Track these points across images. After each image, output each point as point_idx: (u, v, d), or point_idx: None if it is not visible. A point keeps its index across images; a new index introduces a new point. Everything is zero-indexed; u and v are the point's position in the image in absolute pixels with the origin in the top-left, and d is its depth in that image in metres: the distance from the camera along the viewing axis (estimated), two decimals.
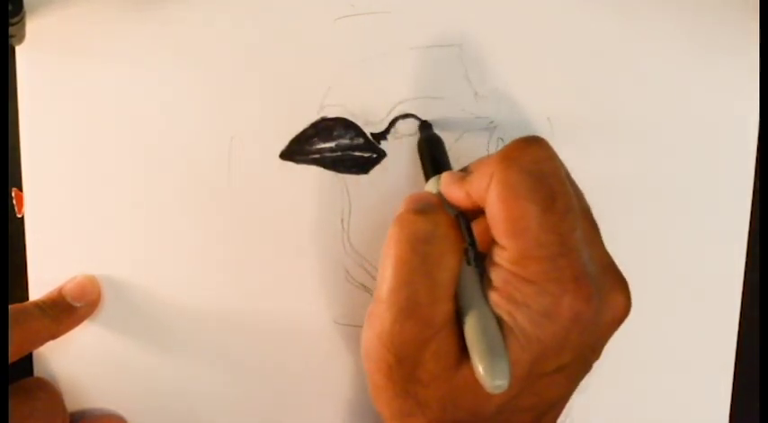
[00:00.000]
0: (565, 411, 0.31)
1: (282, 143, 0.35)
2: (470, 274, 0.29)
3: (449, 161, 0.34)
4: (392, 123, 0.35)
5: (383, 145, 0.36)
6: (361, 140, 0.35)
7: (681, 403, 0.39)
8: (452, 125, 0.36)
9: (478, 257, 0.29)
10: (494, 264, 0.28)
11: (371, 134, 0.35)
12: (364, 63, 0.35)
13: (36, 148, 0.34)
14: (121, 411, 0.36)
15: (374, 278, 0.36)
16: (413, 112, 0.35)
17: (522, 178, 0.27)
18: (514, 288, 0.28)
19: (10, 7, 0.30)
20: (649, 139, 0.37)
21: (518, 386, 0.28)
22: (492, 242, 0.29)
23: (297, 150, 0.35)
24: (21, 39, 0.33)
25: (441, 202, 0.31)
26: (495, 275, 0.28)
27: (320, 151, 0.35)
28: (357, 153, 0.36)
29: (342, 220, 0.36)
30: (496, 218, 0.28)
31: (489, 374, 0.27)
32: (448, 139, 0.35)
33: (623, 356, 0.38)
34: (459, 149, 0.35)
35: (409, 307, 0.28)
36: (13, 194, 0.35)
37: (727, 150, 0.37)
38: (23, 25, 0.32)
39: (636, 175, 0.37)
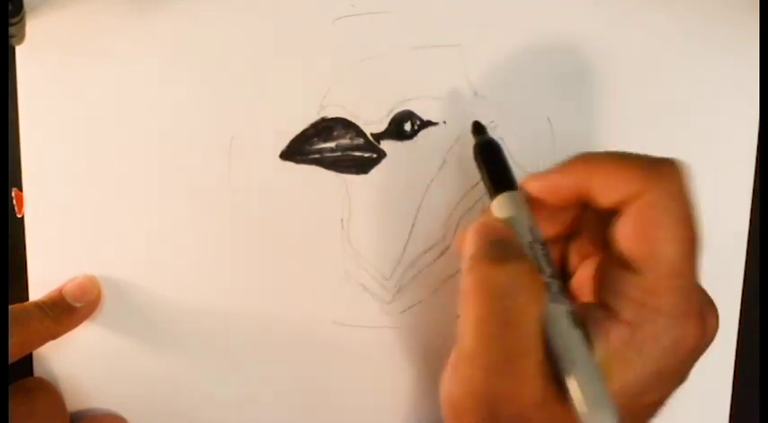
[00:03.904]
0: None
1: (282, 143, 0.35)
2: (556, 310, 0.28)
3: (512, 173, 0.31)
4: (392, 123, 0.35)
5: (383, 145, 0.36)
6: (361, 140, 0.35)
7: (681, 403, 0.39)
8: (452, 125, 0.36)
9: (563, 291, 0.28)
10: (617, 292, 0.27)
11: (371, 134, 0.35)
12: (364, 63, 0.35)
13: (36, 148, 0.34)
14: (121, 411, 0.36)
15: (374, 278, 0.36)
16: (413, 112, 0.35)
17: (671, 200, 0.27)
18: (645, 319, 0.27)
19: (10, 7, 0.30)
20: (649, 139, 0.37)
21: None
22: (608, 271, 0.28)
23: (297, 150, 0.35)
24: (21, 39, 0.33)
25: (514, 235, 0.29)
26: (622, 306, 0.27)
27: (320, 151, 0.35)
28: (357, 153, 0.36)
29: (342, 220, 0.36)
30: (633, 238, 0.27)
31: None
32: (448, 139, 0.35)
33: None
34: (459, 149, 0.35)
35: (498, 363, 0.27)
36: (13, 194, 0.35)
37: (727, 150, 0.37)
38: (23, 25, 0.32)
39: None
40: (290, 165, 0.35)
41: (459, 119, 0.36)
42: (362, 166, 0.36)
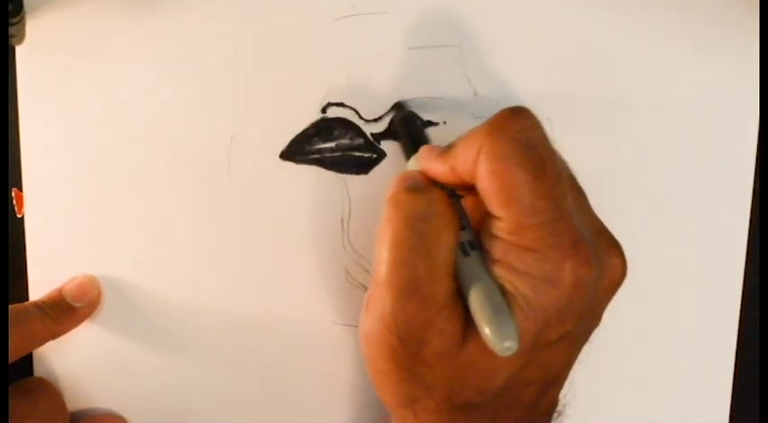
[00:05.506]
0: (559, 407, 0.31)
1: (282, 143, 0.35)
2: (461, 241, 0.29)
3: (428, 137, 0.34)
4: (392, 123, 0.35)
5: (383, 145, 0.36)
6: (361, 140, 0.35)
7: (681, 403, 0.39)
8: (452, 125, 0.36)
9: (475, 244, 0.29)
10: (491, 236, 0.28)
11: (371, 134, 0.35)
12: (364, 63, 0.35)
13: (36, 148, 0.34)
14: (121, 411, 0.36)
15: None
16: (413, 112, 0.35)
17: (512, 148, 0.27)
18: (514, 258, 0.27)
19: (10, 7, 0.30)
20: (649, 140, 0.37)
21: (524, 357, 0.28)
22: (486, 215, 0.28)
23: (297, 150, 0.35)
24: (21, 39, 0.33)
25: (429, 179, 0.30)
26: (494, 248, 0.28)
27: (320, 151, 0.35)
28: (357, 153, 0.36)
29: (342, 220, 0.36)
30: (489, 189, 0.27)
31: (498, 337, 0.26)
32: (448, 139, 0.35)
33: (623, 356, 0.38)
34: None
35: (410, 286, 0.28)
36: (13, 194, 0.35)
37: (727, 150, 0.37)
38: (23, 25, 0.32)
39: (636, 175, 0.37)
40: (290, 165, 0.35)
41: (459, 119, 0.36)
42: (362, 166, 0.36)
